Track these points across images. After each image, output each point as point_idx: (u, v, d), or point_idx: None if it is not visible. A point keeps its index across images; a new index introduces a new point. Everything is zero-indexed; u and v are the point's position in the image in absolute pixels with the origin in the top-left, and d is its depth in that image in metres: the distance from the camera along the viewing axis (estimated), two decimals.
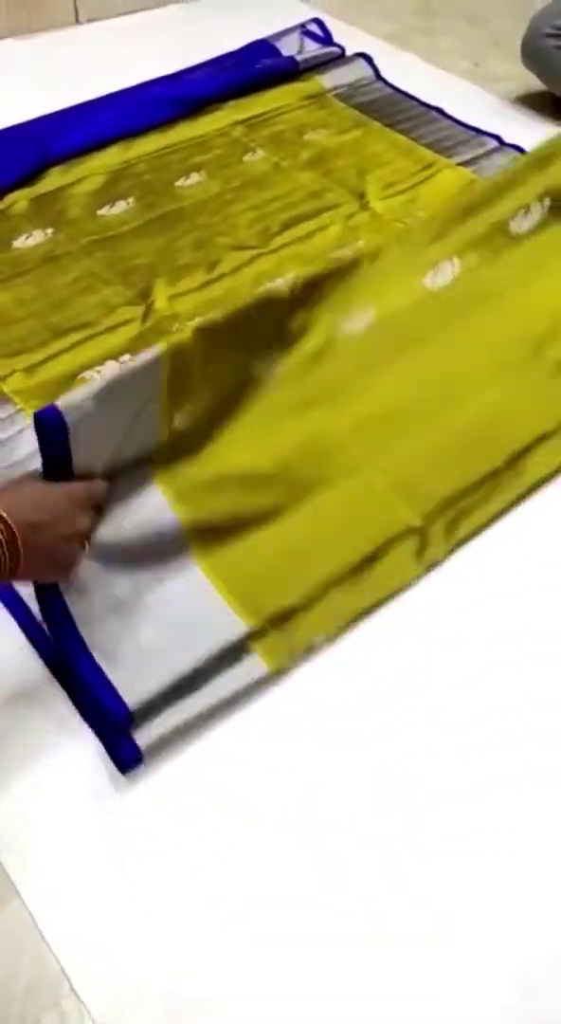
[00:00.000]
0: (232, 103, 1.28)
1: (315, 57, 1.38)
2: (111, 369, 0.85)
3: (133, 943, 0.53)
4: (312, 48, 1.41)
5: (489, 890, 0.56)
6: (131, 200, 1.09)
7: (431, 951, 0.54)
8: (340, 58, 1.40)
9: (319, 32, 1.45)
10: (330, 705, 0.65)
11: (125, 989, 0.52)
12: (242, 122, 1.24)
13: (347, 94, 1.33)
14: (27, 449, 0.77)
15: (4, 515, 0.53)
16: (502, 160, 1.21)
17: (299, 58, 1.37)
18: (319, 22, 1.47)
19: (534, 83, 1.37)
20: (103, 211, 1.07)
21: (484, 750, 0.63)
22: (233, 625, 0.65)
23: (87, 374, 0.86)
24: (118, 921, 0.54)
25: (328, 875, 0.56)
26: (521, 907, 0.56)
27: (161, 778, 0.60)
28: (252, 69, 1.34)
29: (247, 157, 1.18)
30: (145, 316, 0.92)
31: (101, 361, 0.87)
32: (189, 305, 0.94)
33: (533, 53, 1.33)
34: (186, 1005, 0.51)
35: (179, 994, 0.52)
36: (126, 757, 0.59)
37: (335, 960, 0.53)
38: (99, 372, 0.86)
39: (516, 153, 1.22)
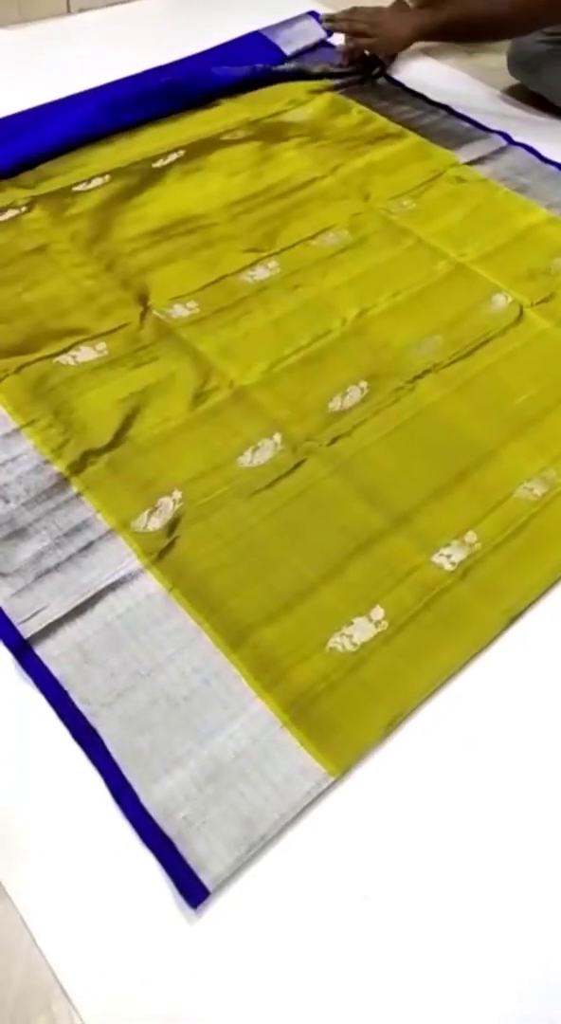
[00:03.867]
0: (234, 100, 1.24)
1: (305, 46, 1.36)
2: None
3: (127, 947, 0.51)
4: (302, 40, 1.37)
5: None
6: None
7: None
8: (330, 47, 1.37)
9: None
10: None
11: (117, 994, 0.50)
12: (251, 121, 1.19)
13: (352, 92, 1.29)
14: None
15: None
16: (510, 158, 1.19)
17: (288, 51, 1.34)
18: (315, 14, 1.41)
19: None
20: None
21: None
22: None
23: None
24: (111, 923, 0.52)
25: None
26: None
27: None
28: (241, 72, 1.26)
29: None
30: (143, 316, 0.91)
31: None
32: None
33: (523, 62, 1.32)
34: (180, 1013, 0.49)
35: (173, 1001, 0.50)
36: (196, 900, 0.54)
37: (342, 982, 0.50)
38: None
39: (524, 151, 1.20)
